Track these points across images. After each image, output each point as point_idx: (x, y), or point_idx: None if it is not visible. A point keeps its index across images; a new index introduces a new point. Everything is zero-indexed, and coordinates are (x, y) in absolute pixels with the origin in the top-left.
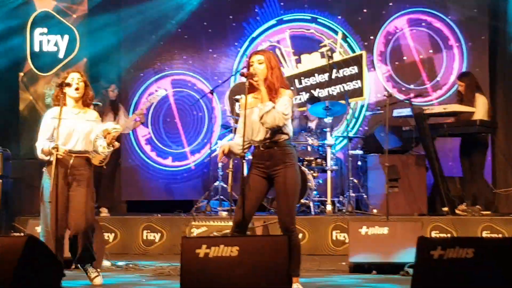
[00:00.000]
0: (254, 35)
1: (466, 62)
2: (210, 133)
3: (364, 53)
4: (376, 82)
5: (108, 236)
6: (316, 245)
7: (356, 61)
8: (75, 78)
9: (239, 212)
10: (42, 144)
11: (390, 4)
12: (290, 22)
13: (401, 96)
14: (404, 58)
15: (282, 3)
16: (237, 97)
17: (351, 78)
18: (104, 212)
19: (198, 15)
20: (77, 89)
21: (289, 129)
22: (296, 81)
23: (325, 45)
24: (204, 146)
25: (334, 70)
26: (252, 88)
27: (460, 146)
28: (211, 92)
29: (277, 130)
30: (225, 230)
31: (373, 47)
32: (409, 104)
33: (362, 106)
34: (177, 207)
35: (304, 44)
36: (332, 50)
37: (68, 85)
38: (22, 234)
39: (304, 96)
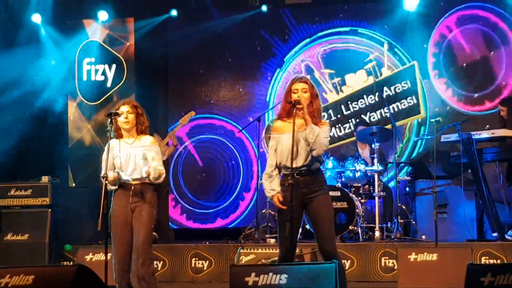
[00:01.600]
0: (286, 57)
1: None
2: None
3: (416, 63)
4: (432, 94)
5: (156, 264)
6: (365, 272)
7: (408, 74)
8: (124, 112)
9: (286, 240)
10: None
11: (441, 3)
12: (326, 37)
13: (458, 107)
14: (459, 61)
15: (316, 18)
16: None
17: (404, 94)
18: None
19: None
20: (126, 122)
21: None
22: (343, 107)
23: (370, 60)
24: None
25: (384, 89)
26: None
27: (507, 171)
28: (258, 119)
29: (314, 158)
30: (273, 258)
31: (426, 55)
32: (457, 129)
33: (419, 128)
34: (225, 234)
35: (346, 63)
36: (380, 65)
37: (115, 115)
38: (71, 263)
39: (354, 123)
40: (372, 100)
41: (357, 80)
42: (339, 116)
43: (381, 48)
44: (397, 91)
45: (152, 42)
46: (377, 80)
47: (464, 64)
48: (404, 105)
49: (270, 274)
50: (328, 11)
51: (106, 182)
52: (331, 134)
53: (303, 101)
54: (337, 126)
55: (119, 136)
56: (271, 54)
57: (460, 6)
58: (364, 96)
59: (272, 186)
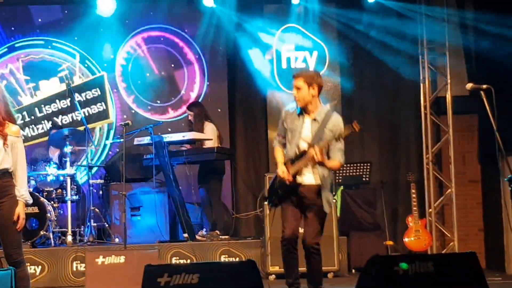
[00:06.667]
0: None
1: (207, 77)
2: None
3: (105, 74)
4: (121, 103)
5: None
6: (56, 277)
7: (97, 82)
8: None
9: None
10: None
11: (126, 21)
12: (23, 49)
13: (146, 115)
14: (147, 75)
15: (12, 28)
16: None
17: (94, 101)
18: None
19: None
20: None
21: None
22: (37, 109)
23: (63, 69)
24: None
25: (76, 95)
26: None
27: (198, 173)
28: None
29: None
30: None
31: (113, 68)
32: (149, 132)
33: (108, 132)
34: None
35: (41, 71)
36: (72, 74)
37: None
38: None
39: (47, 125)
40: (64, 105)
41: (50, 86)
42: (33, 117)
43: (73, 59)
44: (88, 97)
45: None
46: (69, 87)
47: (148, 76)
48: (94, 110)
49: None
50: (24, 24)
51: None
52: (24, 133)
53: None
54: (30, 126)
55: None
56: None
57: (145, 26)
58: (57, 101)
59: None
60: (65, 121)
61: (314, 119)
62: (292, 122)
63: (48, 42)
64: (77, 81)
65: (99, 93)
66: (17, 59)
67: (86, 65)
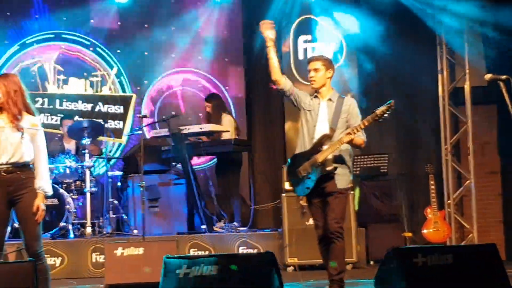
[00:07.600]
0: (28, 40)
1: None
2: None
3: (134, 96)
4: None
5: None
6: (76, 269)
7: (124, 101)
8: None
9: None
10: None
11: (173, 55)
12: (68, 42)
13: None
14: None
15: (64, 18)
16: None
17: (114, 116)
18: None
19: None
20: None
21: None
22: (58, 101)
23: (97, 75)
24: None
25: (100, 103)
26: None
27: (216, 165)
28: None
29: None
30: None
31: (145, 94)
32: (167, 124)
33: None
34: None
35: (76, 68)
36: (103, 83)
37: None
38: None
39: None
40: (85, 108)
41: (78, 86)
42: (51, 107)
43: (110, 70)
44: (109, 111)
45: None
46: (95, 93)
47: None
48: (110, 125)
49: None
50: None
51: None
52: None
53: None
54: (46, 114)
55: None
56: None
57: (189, 68)
58: (79, 101)
59: None
60: None
61: (329, 99)
62: (310, 102)
63: (94, 45)
64: (105, 91)
65: (122, 111)
66: (59, 48)
67: (119, 80)
